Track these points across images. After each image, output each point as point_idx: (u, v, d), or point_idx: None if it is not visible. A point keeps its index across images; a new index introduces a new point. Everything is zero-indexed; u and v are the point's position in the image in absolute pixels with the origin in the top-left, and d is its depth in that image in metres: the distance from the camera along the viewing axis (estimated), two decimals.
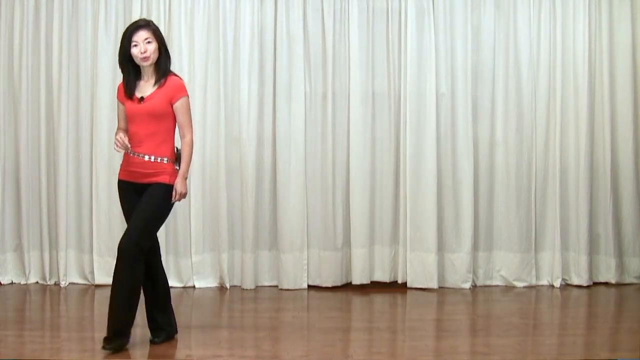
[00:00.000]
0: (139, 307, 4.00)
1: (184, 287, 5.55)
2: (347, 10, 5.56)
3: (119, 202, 4.13)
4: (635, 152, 5.70)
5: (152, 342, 4.13)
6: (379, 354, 4.05)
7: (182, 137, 4.05)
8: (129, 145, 3.96)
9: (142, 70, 4.02)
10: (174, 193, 3.98)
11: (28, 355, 3.91)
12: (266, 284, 5.63)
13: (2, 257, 5.60)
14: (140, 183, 3.98)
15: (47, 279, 5.58)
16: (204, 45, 5.52)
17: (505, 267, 5.67)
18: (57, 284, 5.55)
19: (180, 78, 4.10)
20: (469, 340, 4.38)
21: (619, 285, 5.66)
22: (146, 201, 3.94)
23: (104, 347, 3.92)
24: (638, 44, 5.67)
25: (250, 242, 5.52)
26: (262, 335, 4.40)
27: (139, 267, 3.93)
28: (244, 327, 4.61)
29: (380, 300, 5.37)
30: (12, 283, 5.60)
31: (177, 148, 4.09)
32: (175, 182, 3.98)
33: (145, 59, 3.95)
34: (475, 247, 5.64)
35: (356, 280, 5.58)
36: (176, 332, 4.25)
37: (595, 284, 5.67)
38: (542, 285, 5.67)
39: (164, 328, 4.17)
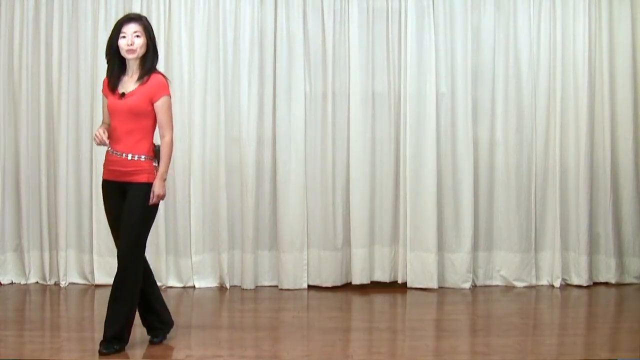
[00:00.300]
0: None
1: (184, 287, 5.55)
2: (347, 10, 5.56)
3: (103, 202, 4.08)
4: (635, 152, 5.70)
5: (151, 342, 4.12)
6: (379, 354, 4.05)
7: (161, 137, 3.97)
8: (107, 141, 3.90)
9: (127, 65, 3.95)
10: (151, 195, 3.89)
11: (28, 355, 3.91)
12: (266, 284, 5.63)
13: (2, 257, 5.60)
14: (121, 182, 3.93)
15: (47, 279, 5.58)
16: (204, 45, 5.52)
17: (505, 267, 5.67)
18: (57, 284, 5.55)
19: (165, 77, 4.03)
20: (469, 340, 4.38)
21: (619, 285, 5.66)
22: (130, 209, 3.88)
23: (100, 352, 3.91)
24: (638, 44, 5.67)
25: (250, 242, 5.52)
26: (262, 335, 4.40)
27: (139, 274, 3.95)
28: (244, 327, 4.61)
29: (380, 300, 5.37)
30: (12, 283, 5.60)
31: (156, 145, 4.01)
32: (154, 183, 3.90)
33: (131, 51, 3.88)
34: (475, 247, 5.64)
35: (356, 280, 5.58)
36: (172, 325, 4.22)
37: (595, 284, 5.67)
38: (542, 285, 5.66)
39: (157, 327, 4.16)
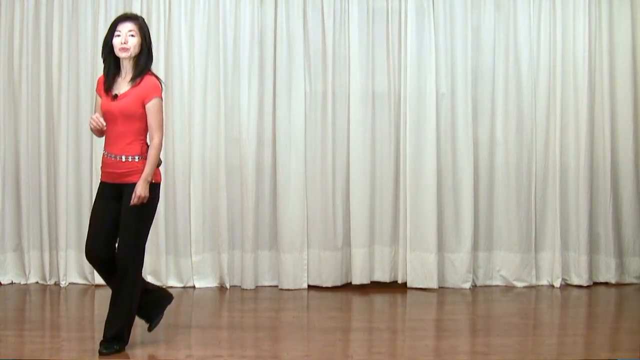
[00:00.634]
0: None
1: (184, 287, 5.55)
2: (347, 10, 5.56)
3: (93, 201, 4.06)
4: (635, 152, 5.70)
5: (149, 330, 4.14)
6: (379, 354, 4.05)
7: (150, 138, 3.91)
8: (104, 124, 3.85)
9: (121, 65, 3.92)
10: (133, 195, 3.82)
11: (28, 355, 3.91)
12: (266, 284, 5.62)
13: (2, 257, 5.60)
14: (116, 184, 3.91)
15: (47, 279, 5.58)
16: (204, 45, 5.52)
17: (505, 267, 5.67)
18: (57, 284, 5.55)
19: (158, 78, 3.98)
20: (469, 340, 4.38)
21: (619, 285, 5.66)
22: (127, 213, 3.85)
23: (100, 352, 3.90)
24: (638, 44, 5.67)
25: (250, 242, 5.52)
26: (262, 335, 4.40)
27: (139, 275, 3.96)
28: (244, 327, 4.61)
29: (380, 300, 5.37)
30: (12, 283, 5.60)
31: (149, 145, 3.96)
32: (137, 184, 3.81)
33: (124, 49, 3.84)
34: (475, 247, 5.64)
35: (356, 280, 5.58)
36: (171, 298, 4.22)
37: (595, 284, 5.67)
38: (542, 285, 5.66)
39: (151, 313, 4.13)
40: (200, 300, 5.28)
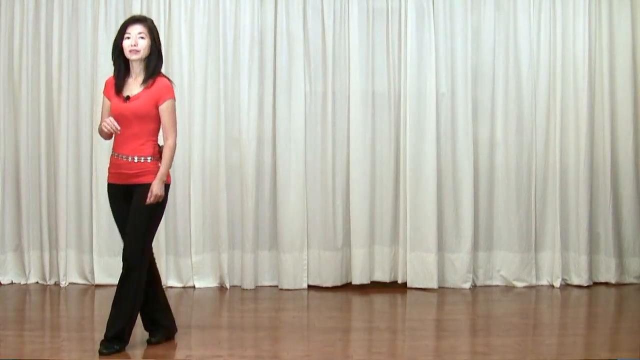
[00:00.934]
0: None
1: (184, 287, 5.55)
2: (347, 10, 5.56)
3: (109, 206, 4.08)
4: (635, 152, 5.70)
5: (148, 342, 4.12)
6: (379, 354, 4.05)
7: (164, 139, 3.95)
8: (119, 128, 3.86)
9: (130, 67, 3.95)
10: (149, 194, 3.85)
11: (28, 355, 3.91)
12: (266, 284, 5.63)
13: (2, 257, 5.60)
14: (127, 184, 3.93)
15: (47, 279, 5.58)
16: (204, 45, 5.52)
17: (505, 267, 5.67)
18: (57, 284, 5.55)
19: (170, 80, 4.02)
20: (469, 340, 4.38)
21: (619, 285, 5.66)
22: (137, 210, 3.88)
23: (100, 352, 3.90)
24: (638, 44, 5.67)
25: (250, 242, 5.52)
26: (262, 335, 4.40)
27: (143, 275, 3.96)
28: (244, 327, 4.61)
29: (380, 300, 5.37)
30: (12, 283, 5.60)
31: (160, 146, 4.01)
32: (152, 183, 3.87)
33: (134, 52, 3.88)
34: (475, 247, 5.64)
35: (356, 280, 5.58)
36: (174, 331, 4.23)
37: (595, 284, 5.67)
38: (542, 285, 5.67)
39: (155, 328, 4.14)
40: (200, 300, 5.28)
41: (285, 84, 5.53)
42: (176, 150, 5.53)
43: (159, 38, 4.00)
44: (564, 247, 5.66)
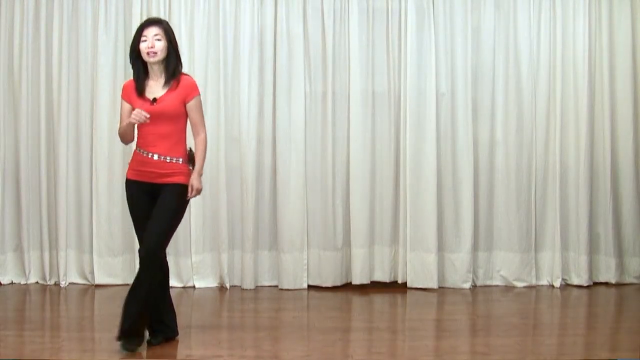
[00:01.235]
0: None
1: (184, 287, 5.55)
2: (347, 10, 5.57)
3: (127, 201, 4.08)
4: (635, 152, 5.70)
5: (148, 343, 4.11)
6: (379, 354, 4.05)
7: (196, 135, 4.06)
8: (148, 116, 3.87)
9: (149, 69, 3.98)
10: (189, 189, 3.97)
11: (28, 355, 3.91)
12: (266, 284, 5.63)
13: (2, 257, 5.60)
14: (153, 183, 3.96)
15: (47, 279, 5.58)
16: (204, 45, 5.52)
17: (505, 267, 5.67)
18: (57, 284, 5.55)
19: (192, 77, 4.09)
20: (469, 340, 4.38)
21: (619, 285, 5.66)
22: (164, 206, 3.91)
23: (125, 348, 3.91)
24: (638, 44, 5.67)
25: (250, 242, 5.52)
26: (262, 335, 4.40)
27: (160, 273, 3.98)
28: (244, 327, 4.61)
29: (380, 300, 5.37)
30: (12, 283, 5.60)
31: (190, 148, 4.09)
32: (192, 178, 3.99)
33: (152, 54, 3.91)
34: (475, 247, 5.64)
35: (356, 280, 5.58)
36: (176, 334, 4.23)
37: (595, 284, 5.67)
38: (542, 285, 5.67)
39: (157, 328, 4.14)
40: (200, 300, 5.28)
41: (285, 84, 5.53)
42: None
43: (175, 39, 4.03)
44: (564, 247, 5.66)
